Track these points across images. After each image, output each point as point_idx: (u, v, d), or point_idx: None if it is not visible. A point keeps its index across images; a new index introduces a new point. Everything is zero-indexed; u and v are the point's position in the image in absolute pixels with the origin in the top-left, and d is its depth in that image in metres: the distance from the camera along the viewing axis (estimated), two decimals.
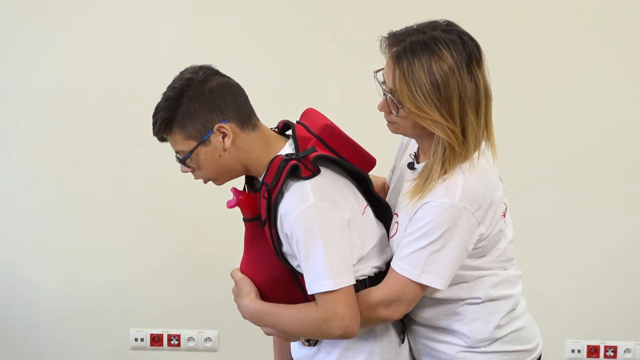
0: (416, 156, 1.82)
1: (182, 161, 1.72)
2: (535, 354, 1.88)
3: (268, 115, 3.04)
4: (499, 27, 3.09)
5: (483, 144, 1.73)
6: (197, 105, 1.66)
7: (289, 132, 1.82)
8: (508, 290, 1.83)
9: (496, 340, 1.80)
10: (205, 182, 1.78)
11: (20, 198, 3.21)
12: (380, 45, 1.73)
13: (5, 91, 3.15)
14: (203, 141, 1.68)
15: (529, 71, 3.10)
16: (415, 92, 1.62)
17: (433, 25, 1.68)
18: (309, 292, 1.65)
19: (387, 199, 1.91)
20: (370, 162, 1.83)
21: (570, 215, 3.19)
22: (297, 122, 1.83)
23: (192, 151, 1.69)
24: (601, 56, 3.12)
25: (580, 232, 3.20)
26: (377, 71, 1.75)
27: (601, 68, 3.13)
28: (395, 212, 1.81)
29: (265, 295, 1.78)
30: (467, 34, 1.69)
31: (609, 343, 3.26)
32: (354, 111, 3.09)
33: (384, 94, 1.72)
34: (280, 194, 1.66)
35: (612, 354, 3.26)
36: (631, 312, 3.25)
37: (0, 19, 3.10)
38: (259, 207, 1.72)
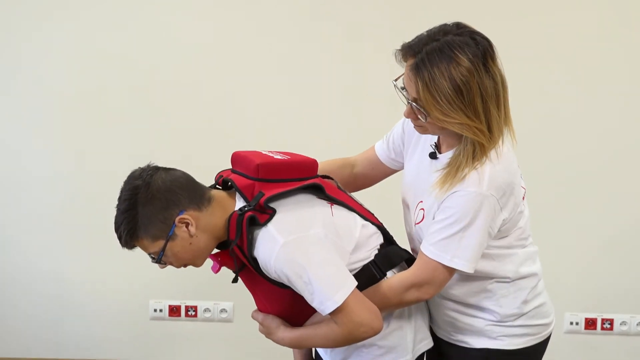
0: (437, 146, 1.86)
1: (158, 261, 1.73)
2: (551, 328, 1.97)
3: (272, 106, 3.14)
4: (498, 25, 3.09)
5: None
6: (151, 209, 1.68)
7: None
8: (532, 267, 1.90)
9: (522, 315, 1.88)
10: (186, 267, 1.78)
11: (44, 190, 3.30)
12: (395, 57, 1.74)
13: (20, 87, 3.22)
14: (169, 237, 1.70)
15: (534, 66, 3.17)
16: (440, 100, 1.64)
17: (444, 30, 1.69)
18: (323, 315, 1.68)
19: (407, 185, 1.94)
20: (313, 166, 1.84)
21: (571, 198, 3.28)
22: (232, 170, 1.86)
23: (163, 250, 1.71)
24: (604, 52, 3.18)
25: (580, 215, 3.30)
26: (396, 79, 1.76)
27: (604, 63, 3.19)
28: (420, 199, 1.84)
29: (291, 319, 1.83)
30: (478, 33, 1.70)
31: (606, 316, 3.36)
32: (358, 99, 3.20)
33: (408, 102, 1.73)
34: (250, 243, 1.68)
35: (608, 326, 3.36)
36: (627, 286, 3.35)
37: (4, 13, 3.17)
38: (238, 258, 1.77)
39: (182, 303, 3.36)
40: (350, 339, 1.71)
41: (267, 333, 1.85)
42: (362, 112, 3.20)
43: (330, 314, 1.66)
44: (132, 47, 3.21)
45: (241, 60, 3.22)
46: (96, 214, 3.21)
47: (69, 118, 3.25)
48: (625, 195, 3.31)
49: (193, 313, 3.36)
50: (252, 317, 1.88)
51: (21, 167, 3.29)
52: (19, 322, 3.40)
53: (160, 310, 3.37)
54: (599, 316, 3.37)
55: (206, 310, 3.36)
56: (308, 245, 1.67)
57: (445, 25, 1.71)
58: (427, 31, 1.71)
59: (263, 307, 1.87)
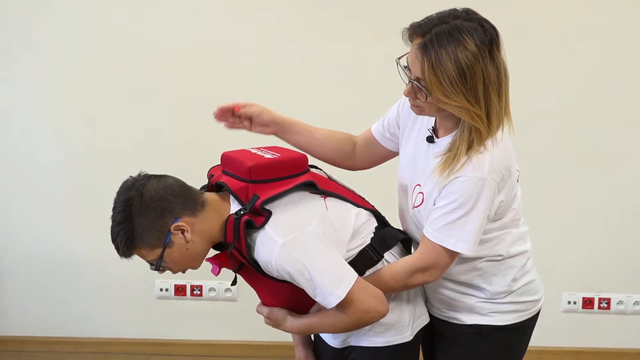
0: (434, 130, 1.87)
1: (157, 268, 1.75)
2: (540, 304, 2.02)
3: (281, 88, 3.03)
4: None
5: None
6: (147, 218, 1.68)
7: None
8: (522, 246, 1.95)
9: (512, 292, 1.93)
10: (184, 272, 1.80)
11: (52, 169, 3.34)
12: (402, 35, 1.75)
13: (30, 65, 3.26)
14: (166, 245, 1.71)
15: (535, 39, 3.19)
16: (443, 81, 1.66)
17: (454, 15, 1.70)
18: (328, 308, 1.72)
19: (404, 168, 1.95)
20: (303, 161, 1.86)
21: (571, 178, 3.31)
22: (222, 171, 1.86)
23: (161, 257, 1.72)
24: (602, 26, 3.19)
25: (579, 196, 3.33)
26: (400, 58, 1.76)
27: (605, 37, 3.19)
28: (417, 182, 1.87)
29: (297, 308, 1.87)
30: (486, 21, 1.72)
31: (603, 295, 3.40)
32: (362, 79, 3.23)
33: (410, 81, 1.74)
34: (248, 246, 1.71)
35: (605, 305, 3.40)
36: (624, 266, 3.39)
37: None
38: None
39: (188, 282, 3.41)
40: (358, 325, 1.77)
41: (275, 325, 1.89)
42: (372, 96, 3.20)
43: (336, 306, 1.70)
44: (142, 26, 3.23)
45: (251, 38, 3.24)
46: (104, 192, 3.22)
47: (78, 96, 3.29)
48: (625, 176, 3.33)
49: (198, 292, 3.41)
50: (257, 311, 1.91)
51: (29, 144, 3.33)
52: (26, 301, 3.46)
53: (166, 290, 3.42)
54: (596, 295, 3.40)
55: (211, 289, 3.41)
56: (307, 242, 1.70)
57: (455, 9, 1.73)
58: (436, 13, 1.73)
59: (267, 300, 1.90)
